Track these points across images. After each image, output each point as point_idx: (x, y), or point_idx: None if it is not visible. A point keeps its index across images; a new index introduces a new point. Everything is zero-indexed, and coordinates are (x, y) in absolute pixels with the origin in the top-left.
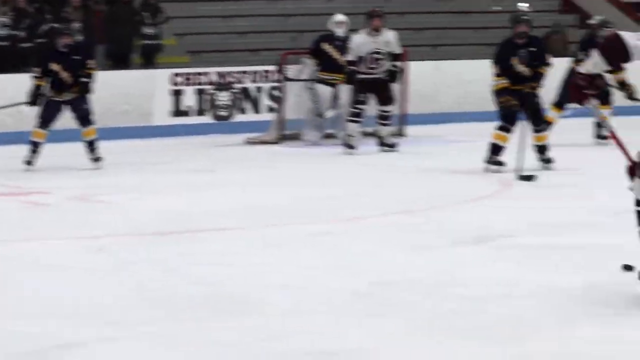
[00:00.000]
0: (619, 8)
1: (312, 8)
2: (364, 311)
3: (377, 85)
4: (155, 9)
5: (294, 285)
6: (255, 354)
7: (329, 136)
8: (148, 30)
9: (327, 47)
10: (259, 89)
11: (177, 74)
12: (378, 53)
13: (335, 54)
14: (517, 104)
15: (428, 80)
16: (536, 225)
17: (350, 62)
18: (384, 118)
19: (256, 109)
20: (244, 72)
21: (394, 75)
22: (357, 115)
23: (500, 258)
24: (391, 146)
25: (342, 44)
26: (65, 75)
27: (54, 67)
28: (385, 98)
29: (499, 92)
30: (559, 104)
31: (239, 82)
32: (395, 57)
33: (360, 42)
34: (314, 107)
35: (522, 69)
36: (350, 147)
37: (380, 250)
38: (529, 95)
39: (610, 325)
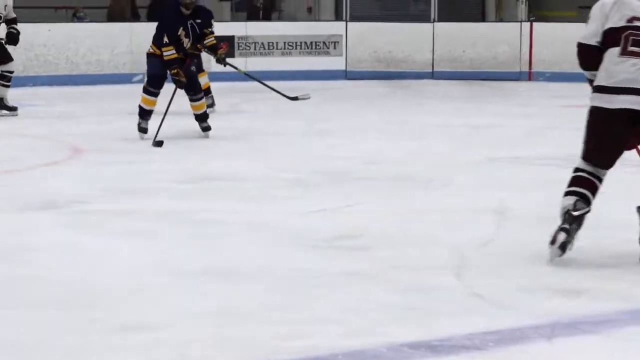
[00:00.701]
0: None
1: None
2: None
3: None
4: None
5: None
6: None
7: None
8: None
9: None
10: None
11: None
12: None
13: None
14: (184, 81)
15: None
16: (108, 191)
17: None
18: (3, 78)
19: None
20: None
21: (12, 37)
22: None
23: (69, 223)
24: (12, 109)
25: None
26: None
27: None
28: (3, 58)
29: (169, 62)
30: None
31: None
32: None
33: None
34: None
35: (186, 41)
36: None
37: None
38: (188, 64)
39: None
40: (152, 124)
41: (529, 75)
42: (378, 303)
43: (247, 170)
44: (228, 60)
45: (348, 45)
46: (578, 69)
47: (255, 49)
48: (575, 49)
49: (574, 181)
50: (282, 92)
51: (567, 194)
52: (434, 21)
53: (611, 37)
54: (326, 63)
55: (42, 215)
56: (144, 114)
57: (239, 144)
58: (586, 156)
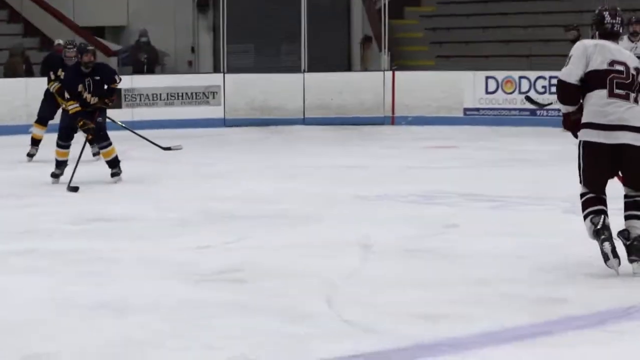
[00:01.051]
0: (77, 32)
1: None
2: None
3: None
4: None
5: None
6: None
7: None
8: None
9: None
10: None
11: None
12: None
13: None
14: (93, 126)
15: None
16: (8, 232)
17: None
18: None
19: None
20: None
21: None
22: None
23: None
24: None
25: None
26: None
27: None
28: None
29: (74, 115)
30: (42, 120)
31: None
32: None
33: None
34: None
35: (88, 96)
36: None
37: None
38: (95, 117)
39: None
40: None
41: (392, 120)
42: (257, 330)
43: (137, 211)
44: (115, 111)
45: (226, 95)
46: (437, 114)
47: (140, 100)
48: (435, 95)
49: (585, 204)
50: (156, 143)
51: (585, 217)
52: (304, 72)
53: (596, 78)
54: (206, 112)
55: None
56: (59, 164)
57: (130, 188)
58: (585, 184)
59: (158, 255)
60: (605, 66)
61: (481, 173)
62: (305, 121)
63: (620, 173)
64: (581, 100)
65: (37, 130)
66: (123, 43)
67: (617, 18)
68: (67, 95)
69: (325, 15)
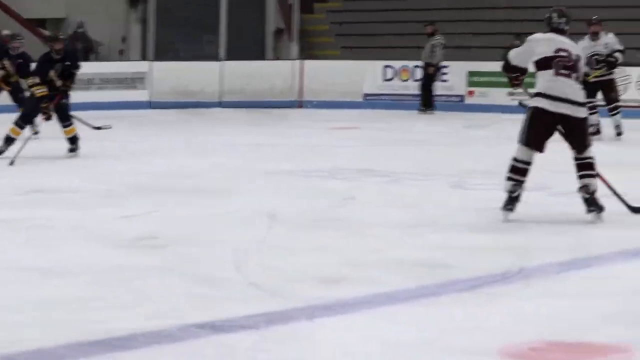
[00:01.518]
0: (21, 24)
1: None
2: None
3: None
4: None
5: None
6: None
7: None
8: None
9: None
10: None
11: None
12: None
13: None
14: (50, 114)
15: None
16: None
17: None
18: None
19: None
20: None
21: None
22: None
23: None
24: None
25: None
26: None
27: None
28: None
29: (42, 98)
30: None
31: None
32: None
33: None
34: None
35: (57, 80)
36: None
37: None
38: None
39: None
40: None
41: (300, 104)
42: (172, 292)
43: (70, 184)
44: None
45: (152, 80)
46: (340, 98)
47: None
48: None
49: (513, 169)
50: (88, 122)
51: (508, 179)
52: (222, 59)
53: (545, 62)
54: (134, 95)
55: None
56: (9, 141)
57: (64, 163)
58: (526, 142)
59: (87, 223)
60: (551, 53)
61: (378, 151)
62: (222, 104)
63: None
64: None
65: None
66: (62, 33)
67: (563, 18)
68: (35, 79)
69: (242, 8)
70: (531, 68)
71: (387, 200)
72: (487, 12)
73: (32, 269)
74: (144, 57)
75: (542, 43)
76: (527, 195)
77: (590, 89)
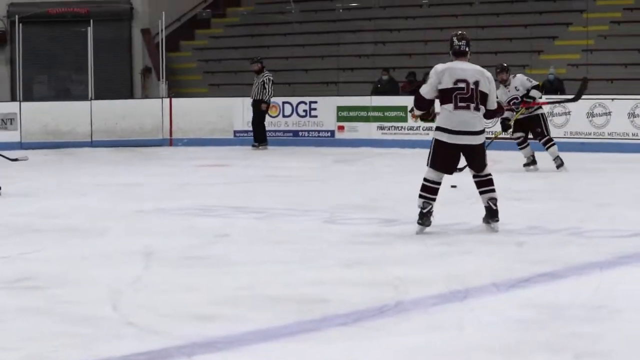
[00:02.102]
0: None
1: None
2: None
3: None
4: None
5: None
6: None
7: None
8: None
9: None
10: None
11: None
12: None
13: None
14: None
15: None
16: None
17: None
18: None
19: None
20: None
21: None
22: None
23: None
24: None
25: None
26: None
27: None
28: None
29: None
30: None
31: None
32: None
33: None
34: None
35: None
36: None
37: None
38: None
39: None
40: None
41: (170, 142)
42: (50, 333)
43: None
44: None
45: (22, 121)
46: (210, 135)
47: None
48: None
49: (424, 188)
50: (5, 155)
51: (420, 197)
52: (91, 99)
53: (445, 95)
54: (5, 136)
55: None
56: None
57: None
58: (434, 166)
59: None
60: (451, 85)
61: (249, 188)
62: (93, 144)
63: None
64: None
65: None
66: None
67: (463, 40)
68: None
69: (109, 48)
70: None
71: (260, 237)
72: (355, 47)
73: None
74: (13, 98)
75: (445, 74)
76: (402, 229)
77: (516, 127)
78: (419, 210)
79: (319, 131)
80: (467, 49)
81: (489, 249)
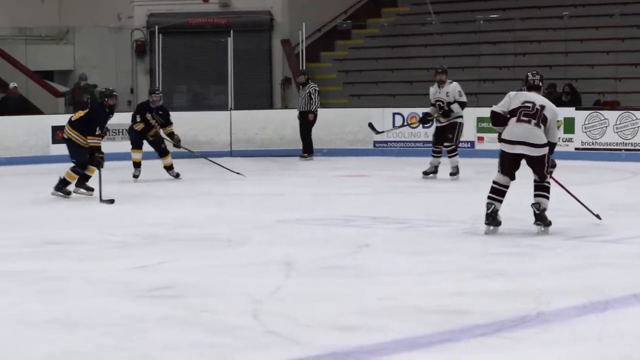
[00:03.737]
0: (29, 76)
1: None
2: None
3: None
4: None
5: None
6: None
7: None
8: None
9: None
10: None
11: None
12: None
13: None
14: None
15: None
16: None
17: None
18: None
19: None
20: None
21: None
22: None
23: None
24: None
25: None
26: None
27: None
28: None
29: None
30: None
31: None
32: None
33: None
34: None
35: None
36: None
37: None
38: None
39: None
40: None
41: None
42: (191, 342)
43: (81, 235)
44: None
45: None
46: (350, 146)
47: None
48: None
49: (492, 190)
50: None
51: (488, 197)
52: (231, 109)
53: (513, 112)
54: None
55: None
56: (65, 184)
57: (75, 216)
58: (502, 171)
59: (100, 275)
60: (518, 104)
61: (389, 198)
62: (232, 154)
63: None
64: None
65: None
66: (69, 85)
67: (537, 76)
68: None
69: (249, 58)
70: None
71: (400, 248)
72: (495, 58)
73: (45, 322)
74: None
75: (517, 97)
76: (543, 240)
77: (438, 133)
78: (486, 217)
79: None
80: (540, 84)
81: (629, 261)
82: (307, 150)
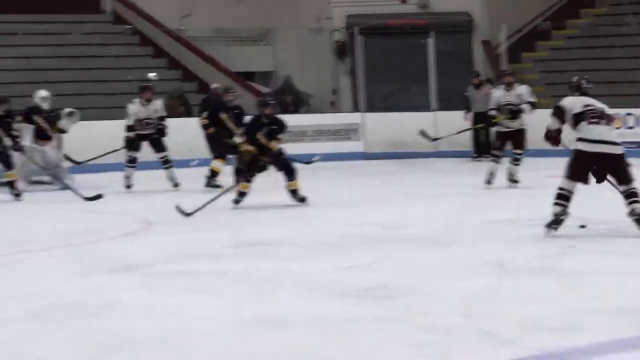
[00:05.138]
0: (230, 77)
1: None
2: (35, 328)
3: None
4: None
5: None
6: None
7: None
8: None
9: (37, 118)
10: None
11: None
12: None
13: (45, 125)
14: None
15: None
16: (175, 256)
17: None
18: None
19: None
20: None
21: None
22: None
23: (144, 283)
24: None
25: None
26: None
27: None
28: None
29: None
30: (221, 156)
31: None
32: (161, 118)
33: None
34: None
35: (265, 141)
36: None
37: (49, 276)
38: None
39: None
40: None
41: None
42: (403, 342)
43: (288, 235)
44: None
45: (365, 131)
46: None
47: (288, 136)
48: None
49: (559, 196)
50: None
51: (556, 204)
52: (434, 110)
53: (578, 118)
54: (348, 147)
55: (123, 276)
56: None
57: (281, 215)
58: (572, 177)
59: (311, 275)
60: (581, 109)
61: (596, 197)
62: (438, 154)
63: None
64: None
65: (217, 164)
66: (271, 86)
67: (590, 84)
68: (242, 139)
69: (449, 59)
70: None
71: (606, 248)
72: None
73: (256, 322)
74: (355, 109)
75: (577, 102)
76: None
77: (501, 138)
78: (554, 216)
79: None
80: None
81: None
82: (482, 151)
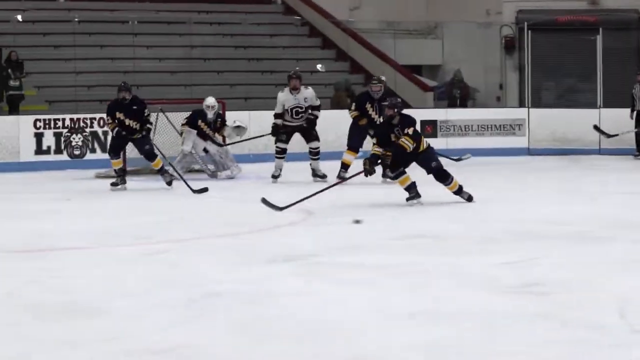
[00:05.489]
0: (396, 69)
1: (145, 67)
2: (194, 316)
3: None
4: (17, 65)
5: (134, 293)
6: (103, 352)
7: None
8: (13, 83)
9: (201, 123)
10: (105, 133)
11: (37, 120)
12: (298, 107)
13: (208, 130)
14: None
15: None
16: (334, 247)
17: (277, 115)
18: (313, 154)
19: (103, 149)
20: (93, 119)
21: (310, 121)
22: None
23: (303, 273)
24: (322, 177)
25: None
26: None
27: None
28: (313, 137)
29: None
30: (352, 148)
31: (89, 126)
32: (313, 108)
33: (284, 99)
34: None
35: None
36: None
37: (208, 265)
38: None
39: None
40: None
41: None
42: (558, 339)
43: (449, 229)
44: (430, 140)
45: (530, 127)
46: None
47: (454, 130)
48: None
49: None
50: (450, 157)
51: None
52: (600, 107)
53: None
54: (512, 142)
55: (283, 266)
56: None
57: (443, 210)
58: None
59: (467, 269)
60: None
61: None
62: (600, 152)
63: None
64: None
65: (347, 156)
66: (438, 80)
67: None
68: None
69: (617, 57)
70: None
71: None
72: None
73: (408, 313)
74: (521, 104)
75: None
76: None
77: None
78: None
79: None
80: None
81: None
82: None
